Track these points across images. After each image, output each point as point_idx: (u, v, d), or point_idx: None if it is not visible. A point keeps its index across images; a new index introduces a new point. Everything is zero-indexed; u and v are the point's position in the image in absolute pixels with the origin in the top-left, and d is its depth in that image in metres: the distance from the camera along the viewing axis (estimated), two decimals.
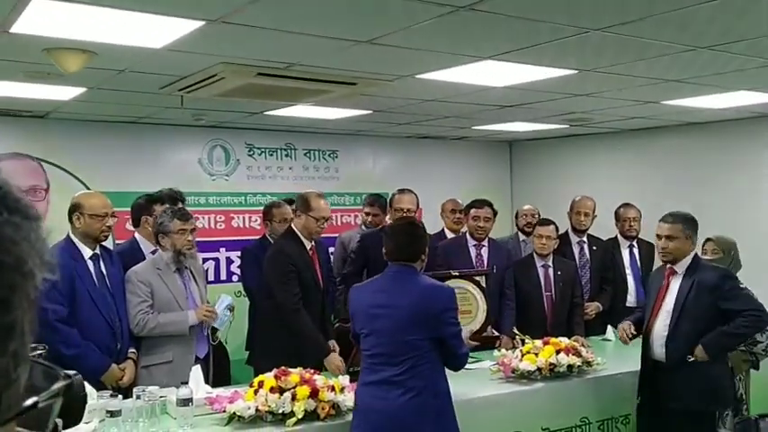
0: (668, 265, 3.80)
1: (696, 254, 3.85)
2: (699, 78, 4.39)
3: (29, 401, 0.47)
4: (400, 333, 3.04)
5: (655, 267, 5.90)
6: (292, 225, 4.34)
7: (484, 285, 4.08)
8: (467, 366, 4.27)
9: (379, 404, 3.07)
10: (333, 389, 3.35)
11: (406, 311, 3.04)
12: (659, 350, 3.77)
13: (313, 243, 4.29)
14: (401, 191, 5.14)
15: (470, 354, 4.39)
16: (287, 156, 7.24)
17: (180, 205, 4.38)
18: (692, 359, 3.62)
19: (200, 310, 3.91)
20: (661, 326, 3.75)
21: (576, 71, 4.12)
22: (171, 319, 3.82)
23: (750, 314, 3.57)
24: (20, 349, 0.46)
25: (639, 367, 3.94)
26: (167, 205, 4.33)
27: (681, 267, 3.76)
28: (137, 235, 4.48)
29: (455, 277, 4.02)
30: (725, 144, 6.50)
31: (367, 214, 5.56)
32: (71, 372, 0.53)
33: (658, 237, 3.77)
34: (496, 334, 4.06)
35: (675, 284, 3.75)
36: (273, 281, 4.17)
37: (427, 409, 3.04)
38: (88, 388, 2.77)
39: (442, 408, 3.09)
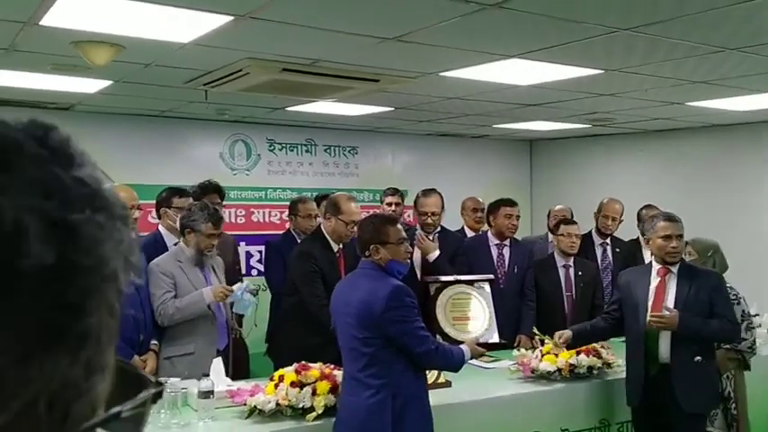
0: (659, 266, 3.75)
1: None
2: (726, 80, 4.35)
3: (112, 411, 0.45)
4: (354, 331, 3.02)
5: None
6: (321, 227, 4.33)
7: (488, 291, 4.03)
8: (486, 366, 4.30)
9: (347, 399, 3.09)
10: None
11: (355, 310, 3.01)
12: (666, 351, 3.71)
13: (341, 246, 4.26)
14: (425, 192, 5.08)
15: (489, 354, 4.42)
16: (307, 151, 7.26)
17: (216, 201, 4.39)
18: (698, 359, 3.59)
19: (215, 287, 3.91)
20: None
21: (603, 71, 4.09)
22: (188, 302, 3.83)
23: (729, 322, 3.63)
24: (94, 358, 0.44)
25: (630, 370, 3.84)
26: (190, 200, 4.35)
27: (675, 267, 3.72)
28: (160, 227, 4.50)
29: (457, 283, 3.97)
30: (748, 146, 6.43)
31: (389, 204, 5.53)
32: (162, 378, 0.50)
33: (669, 237, 3.72)
34: (503, 341, 4.00)
35: (673, 284, 3.70)
36: (299, 280, 4.18)
37: (384, 410, 2.96)
38: None
39: (404, 409, 2.99)
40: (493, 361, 4.36)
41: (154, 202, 4.63)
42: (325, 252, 4.19)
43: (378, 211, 5.89)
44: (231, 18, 3.05)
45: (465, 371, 3.53)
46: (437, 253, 4.78)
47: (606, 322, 4.04)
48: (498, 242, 5.06)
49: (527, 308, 4.88)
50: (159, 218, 4.51)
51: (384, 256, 3.09)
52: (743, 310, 4.15)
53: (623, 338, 5.10)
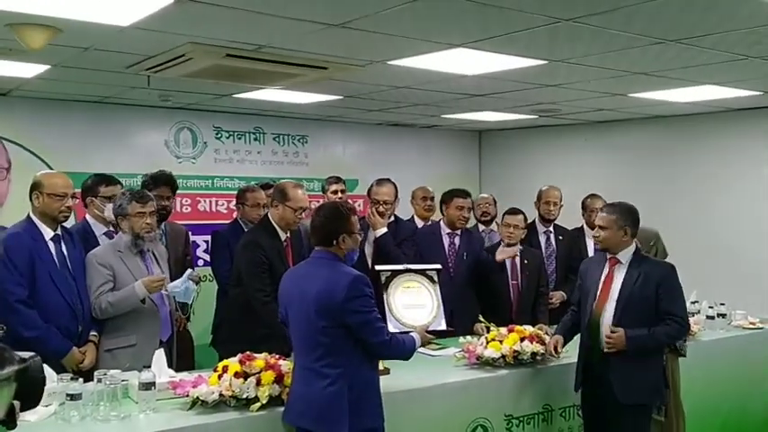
0: (608, 255, 3.82)
1: (638, 246, 3.86)
2: (666, 72, 4.45)
3: None
4: (311, 321, 2.99)
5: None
6: (269, 215, 4.28)
7: (436, 280, 4.06)
8: (432, 353, 4.33)
9: (300, 389, 3.06)
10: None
11: (314, 299, 2.99)
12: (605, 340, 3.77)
13: (288, 234, 4.23)
14: (379, 182, 5.08)
15: (436, 342, 4.45)
16: (255, 140, 7.18)
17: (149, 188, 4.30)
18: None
19: (145, 279, 3.83)
20: (608, 315, 3.72)
21: (547, 61, 4.14)
22: (119, 297, 3.74)
23: (676, 322, 3.62)
24: None
25: (579, 357, 3.88)
26: (118, 187, 4.26)
27: (624, 257, 3.75)
28: (88, 217, 4.37)
29: (408, 272, 3.99)
30: (690, 138, 6.61)
31: (334, 192, 5.49)
32: (27, 354, 0.50)
33: (594, 227, 3.81)
34: (450, 329, 4.05)
35: (620, 274, 3.75)
36: (245, 272, 4.13)
37: (341, 400, 2.96)
38: (48, 371, 2.71)
39: (359, 399, 3.00)
40: (439, 348, 4.40)
41: None
42: (272, 241, 4.14)
43: (323, 200, 5.87)
44: (171, 1, 2.98)
45: (412, 358, 3.55)
46: (384, 230, 4.82)
47: (573, 317, 4.10)
48: (450, 231, 5.09)
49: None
50: (86, 207, 4.37)
51: (348, 246, 3.12)
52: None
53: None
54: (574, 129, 7.60)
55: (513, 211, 5.13)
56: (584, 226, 5.88)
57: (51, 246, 3.66)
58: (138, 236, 3.83)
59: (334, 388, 2.96)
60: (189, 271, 4.04)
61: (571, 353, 4.33)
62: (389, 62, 4.21)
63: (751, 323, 5.57)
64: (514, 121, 7.37)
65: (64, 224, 3.79)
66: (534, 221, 5.66)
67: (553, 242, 5.67)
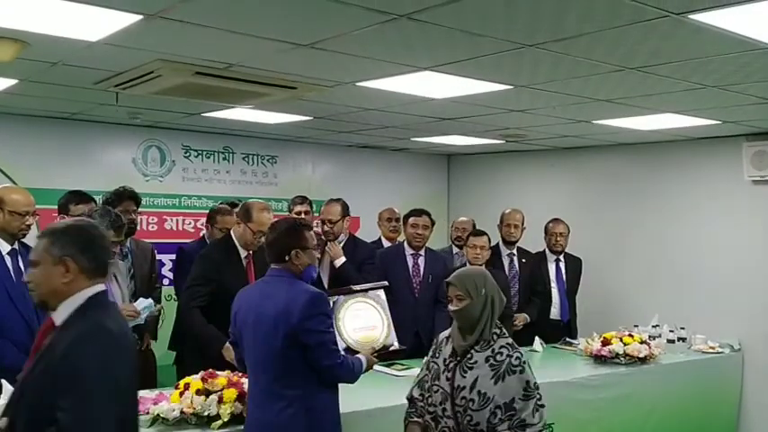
0: None
1: None
2: (627, 99, 4.56)
3: None
4: (268, 341, 2.94)
5: (581, 280, 6.10)
6: (231, 231, 4.29)
7: (384, 298, 4.07)
8: (397, 374, 4.34)
9: (256, 413, 3.01)
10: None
11: (272, 319, 2.94)
12: None
13: (250, 253, 4.21)
14: (328, 201, 5.15)
15: (401, 362, 4.46)
16: (224, 159, 7.17)
17: (117, 209, 4.28)
18: None
19: (121, 308, 3.81)
20: None
21: (512, 86, 4.23)
22: None
23: None
24: None
25: None
26: (91, 205, 4.24)
27: None
28: None
29: (355, 293, 3.98)
30: (651, 165, 6.75)
31: (298, 213, 5.51)
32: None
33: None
34: (402, 347, 4.05)
35: None
36: (188, 282, 4.13)
37: (297, 424, 2.92)
38: (5, 385, 2.69)
39: (318, 422, 2.97)
40: (404, 369, 4.41)
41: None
42: (229, 257, 4.14)
43: None
44: (141, 17, 3.00)
45: (375, 379, 3.55)
46: (343, 259, 4.83)
47: None
48: (413, 252, 5.13)
49: (441, 312, 4.97)
50: None
51: (303, 262, 3.08)
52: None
53: (530, 347, 5.28)
54: (540, 154, 7.73)
55: (478, 233, 5.20)
56: (546, 250, 5.98)
57: (8, 260, 3.62)
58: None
59: (291, 410, 2.92)
60: (150, 302, 4.04)
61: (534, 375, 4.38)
62: (358, 83, 4.26)
63: (711, 347, 5.69)
64: (482, 146, 7.47)
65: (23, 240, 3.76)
66: (498, 244, 5.74)
67: (516, 265, 5.75)
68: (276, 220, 3.57)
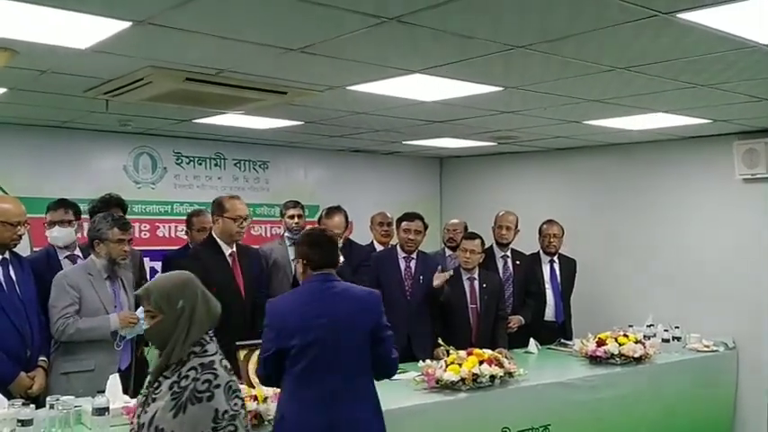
0: None
1: None
2: (618, 99, 4.57)
3: None
4: (339, 343, 3.00)
5: (575, 281, 6.11)
6: (212, 232, 4.31)
7: None
8: (393, 377, 4.33)
9: (317, 419, 2.97)
10: (255, 398, 3.32)
11: (347, 321, 3.03)
12: None
13: (234, 250, 4.23)
14: (329, 212, 5.15)
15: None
16: (216, 165, 7.16)
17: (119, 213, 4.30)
18: None
19: (123, 314, 3.82)
20: None
21: (502, 88, 4.23)
22: (91, 325, 3.71)
23: None
24: None
25: None
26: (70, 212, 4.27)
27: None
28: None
29: None
30: (644, 165, 6.77)
31: (291, 217, 5.53)
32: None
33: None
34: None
35: None
36: None
37: (377, 418, 3.08)
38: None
39: (377, 419, 3.10)
40: (399, 372, 4.40)
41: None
42: (215, 256, 4.16)
43: (281, 225, 5.89)
44: (129, 24, 2.99)
45: None
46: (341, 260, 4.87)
47: None
48: (405, 255, 5.13)
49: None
50: None
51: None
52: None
53: (525, 349, 5.29)
54: (532, 156, 7.74)
55: (470, 236, 5.21)
56: (540, 251, 5.98)
57: None
58: (115, 261, 3.85)
59: (368, 405, 3.08)
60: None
61: (529, 376, 4.38)
62: (348, 87, 4.26)
63: (705, 346, 5.70)
64: (474, 148, 7.47)
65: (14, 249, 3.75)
66: (492, 246, 5.74)
67: (510, 267, 5.75)
68: (320, 231, 3.54)
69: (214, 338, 2.42)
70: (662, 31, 3.05)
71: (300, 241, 3.27)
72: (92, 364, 3.74)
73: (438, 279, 4.98)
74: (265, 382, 3.22)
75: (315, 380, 3.00)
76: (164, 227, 6.80)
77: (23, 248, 4.37)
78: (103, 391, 3.24)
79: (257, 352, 3.75)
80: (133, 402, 3.34)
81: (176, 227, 6.81)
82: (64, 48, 3.39)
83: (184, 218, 6.47)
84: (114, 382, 3.41)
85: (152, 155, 6.78)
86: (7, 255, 3.67)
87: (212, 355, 2.36)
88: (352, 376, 3.03)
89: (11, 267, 3.66)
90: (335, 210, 5.17)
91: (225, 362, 2.39)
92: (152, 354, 4.92)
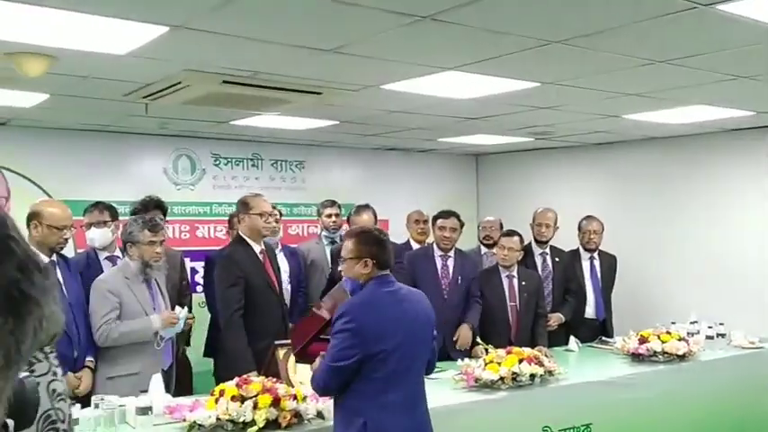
0: None
1: None
2: (658, 92, 4.49)
3: None
4: (416, 345, 3.00)
5: (616, 277, 6.02)
6: (239, 232, 4.34)
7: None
8: (430, 376, 4.32)
9: (404, 422, 2.93)
10: (295, 397, 3.33)
11: (420, 321, 3.03)
12: None
13: (263, 246, 4.28)
14: (358, 210, 5.16)
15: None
16: (253, 166, 7.23)
17: (157, 214, 4.36)
18: None
19: (165, 314, 3.86)
20: None
21: (539, 84, 4.19)
22: (133, 328, 3.76)
23: None
24: None
25: None
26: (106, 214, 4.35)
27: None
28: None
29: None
30: (684, 159, 6.64)
31: (329, 216, 5.55)
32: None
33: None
34: None
35: None
36: (219, 289, 4.17)
37: (430, 422, 3.08)
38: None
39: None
40: (438, 371, 4.38)
41: None
42: (247, 254, 4.20)
43: (318, 224, 5.92)
44: (167, 29, 3.03)
45: None
46: None
47: None
48: (442, 253, 5.10)
49: (475, 303, 5.00)
50: None
51: None
52: None
53: (566, 347, 5.23)
54: (570, 151, 7.65)
55: (509, 234, 5.16)
56: (580, 248, 5.91)
57: None
58: (148, 264, 3.85)
59: (425, 408, 3.07)
60: (185, 313, 4.07)
61: (570, 375, 4.33)
62: (382, 86, 4.26)
63: (750, 342, 5.57)
64: (511, 144, 7.41)
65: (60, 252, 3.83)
66: (530, 244, 5.68)
67: (549, 264, 5.68)
68: (375, 230, 3.48)
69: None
70: (701, 23, 2.99)
71: (364, 240, 3.06)
72: (137, 367, 3.76)
73: (462, 343, 4.89)
74: (333, 392, 3.00)
75: (398, 383, 2.92)
76: (203, 227, 6.89)
77: (67, 251, 4.45)
78: (146, 391, 3.29)
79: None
80: (176, 401, 3.40)
81: (215, 227, 6.89)
82: (103, 54, 3.46)
83: (223, 218, 6.55)
84: (157, 381, 3.46)
85: (191, 157, 6.87)
86: (54, 257, 3.74)
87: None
88: (422, 379, 3.07)
89: (58, 269, 3.74)
90: (364, 208, 5.18)
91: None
92: (193, 354, 5.02)
